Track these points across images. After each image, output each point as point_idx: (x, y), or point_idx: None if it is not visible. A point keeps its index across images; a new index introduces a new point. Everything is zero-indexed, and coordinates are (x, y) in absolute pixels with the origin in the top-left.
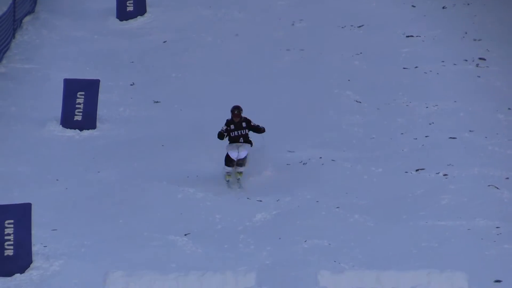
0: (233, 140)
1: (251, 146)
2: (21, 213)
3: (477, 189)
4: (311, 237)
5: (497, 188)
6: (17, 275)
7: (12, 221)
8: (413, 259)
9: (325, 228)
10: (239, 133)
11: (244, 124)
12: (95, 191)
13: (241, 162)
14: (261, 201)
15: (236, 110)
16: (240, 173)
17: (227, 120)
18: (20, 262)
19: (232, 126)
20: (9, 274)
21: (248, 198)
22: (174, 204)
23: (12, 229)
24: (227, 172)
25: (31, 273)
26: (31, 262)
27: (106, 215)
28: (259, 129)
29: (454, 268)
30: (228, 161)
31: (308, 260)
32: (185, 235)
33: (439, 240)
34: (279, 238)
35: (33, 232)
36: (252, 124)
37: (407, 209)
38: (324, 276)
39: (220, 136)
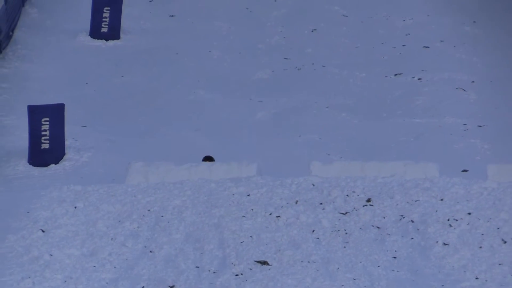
0: None
1: None
2: (56, 112)
3: (447, 91)
4: (305, 132)
5: (464, 90)
6: (52, 165)
7: (47, 119)
8: (392, 152)
9: (317, 125)
10: None
11: None
12: (119, 93)
13: None
14: (261, 101)
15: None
16: None
17: None
18: (54, 154)
19: None
20: (45, 164)
21: (250, 99)
22: (187, 104)
23: (48, 125)
24: None
25: (64, 164)
26: (64, 154)
27: (128, 114)
28: None
29: (427, 160)
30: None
31: (302, 152)
32: (196, 130)
33: (414, 135)
34: (277, 134)
35: (66, 128)
36: None
37: (386, 109)
38: (316, 166)
39: None
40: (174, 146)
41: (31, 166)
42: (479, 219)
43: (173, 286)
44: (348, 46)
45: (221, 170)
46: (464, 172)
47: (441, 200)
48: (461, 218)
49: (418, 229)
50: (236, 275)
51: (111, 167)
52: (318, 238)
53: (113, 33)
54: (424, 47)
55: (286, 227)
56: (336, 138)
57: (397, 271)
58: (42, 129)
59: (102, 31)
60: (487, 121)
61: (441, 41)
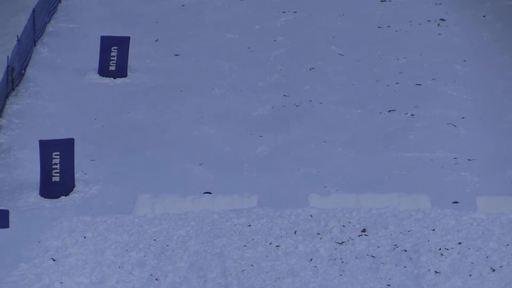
0: None
1: None
2: (66, 146)
3: (438, 127)
4: (303, 166)
5: (455, 126)
6: (63, 197)
7: (58, 153)
8: (386, 184)
9: (314, 159)
10: None
11: None
12: (127, 128)
13: None
14: (261, 136)
15: None
16: None
17: None
18: (65, 186)
19: None
20: (56, 196)
21: (251, 134)
22: (191, 139)
23: (58, 159)
24: None
25: (74, 196)
26: (74, 186)
27: (135, 148)
28: None
29: (419, 192)
30: None
31: (301, 185)
32: (199, 164)
33: (407, 168)
34: (277, 167)
35: (75, 162)
36: None
37: (381, 143)
38: (314, 198)
39: None
40: (178, 179)
41: (42, 198)
42: (469, 248)
43: None
44: (344, 83)
45: (224, 202)
46: (454, 204)
47: (433, 230)
48: (452, 248)
49: (411, 258)
50: None
51: (119, 199)
52: (315, 266)
53: (121, 71)
54: (416, 84)
55: (285, 256)
56: (333, 171)
57: None
58: (53, 162)
59: (110, 69)
60: (476, 155)
61: (432, 79)
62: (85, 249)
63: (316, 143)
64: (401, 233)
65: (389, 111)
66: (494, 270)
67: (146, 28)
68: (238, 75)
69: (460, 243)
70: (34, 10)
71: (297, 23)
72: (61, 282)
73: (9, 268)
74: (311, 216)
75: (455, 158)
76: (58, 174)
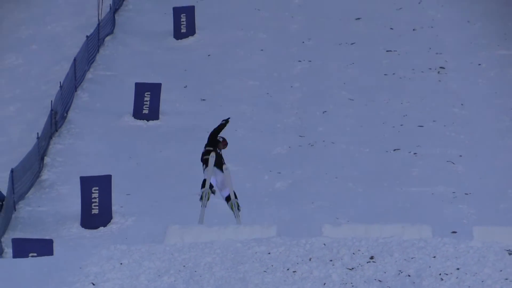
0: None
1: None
2: (104, 182)
3: (439, 164)
4: (317, 199)
5: (453, 163)
6: (101, 228)
7: (97, 188)
8: (391, 216)
9: (327, 193)
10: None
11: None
12: (158, 166)
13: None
14: (279, 173)
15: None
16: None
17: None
18: (103, 218)
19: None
20: (95, 227)
21: (270, 171)
22: None
23: (97, 194)
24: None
25: (111, 227)
26: (111, 218)
27: (166, 184)
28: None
29: (421, 222)
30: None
31: (315, 216)
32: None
33: (411, 202)
34: (293, 201)
35: (112, 196)
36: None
37: (387, 179)
38: (327, 228)
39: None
40: (206, 211)
41: (83, 228)
42: (466, 273)
43: None
44: (354, 125)
45: (246, 232)
46: (453, 233)
47: (434, 257)
48: (451, 273)
49: (414, 282)
50: None
51: (152, 230)
52: None
53: (153, 115)
54: (419, 126)
55: (301, 280)
56: (344, 204)
57: None
58: (92, 197)
59: (143, 112)
60: (473, 189)
61: (433, 121)
62: (121, 275)
63: (328, 179)
64: (405, 259)
65: (394, 150)
66: None
67: (176, 75)
68: (258, 118)
69: (458, 268)
70: (75, 59)
71: (312, 71)
72: None
73: None
74: (324, 244)
75: (453, 192)
76: (97, 207)
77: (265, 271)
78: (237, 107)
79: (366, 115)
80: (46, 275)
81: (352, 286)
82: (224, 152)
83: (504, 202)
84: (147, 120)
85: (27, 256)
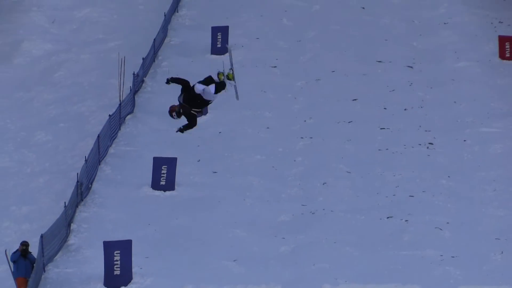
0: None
1: None
2: (125, 246)
3: (428, 230)
4: (318, 262)
5: (441, 229)
6: (123, 287)
7: (119, 251)
8: (385, 277)
9: (327, 256)
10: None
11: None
12: (175, 232)
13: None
14: (284, 238)
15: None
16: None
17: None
18: (124, 278)
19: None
20: (117, 287)
21: (275, 236)
22: (227, 240)
23: (119, 256)
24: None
25: (131, 286)
26: (131, 279)
27: (181, 248)
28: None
29: (412, 282)
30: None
31: (316, 277)
32: (234, 260)
33: (402, 264)
34: (296, 263)
35: (133, 258)
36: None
37: (381, 243)
38: None
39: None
40: (216, 272)
41: None
42: None
43: None
44: (351, 195)
45: None
46: None
47: None
48: None
49: None
50: None
51: None
52: None
53: (169, 186)
54: (410, 196)
55: None
56: (342, 266)
57: None
58: (115, 259)
59: (160, 184)
60: (459, 253)
61: (423, 191)
62: None
63: (328, 244)
64: None
65: (388, 217)
66: None
67: (190, 150)
68: (264, 189)
69: None
70: (98, 136)
71: (313, 147)
72: None
73: None
74: None
75: (441, 255)
76: (118, 268)
77: None
78: (245, 178)
79: (362, 186)
80: None
81: None
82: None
83: (487, 264)
84: (164, 191)
85: None
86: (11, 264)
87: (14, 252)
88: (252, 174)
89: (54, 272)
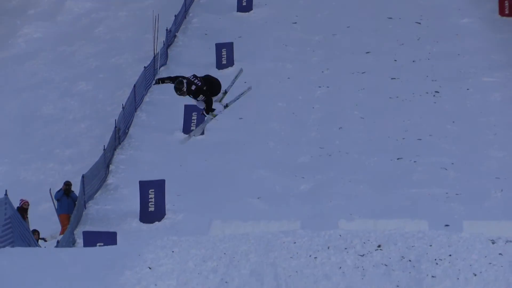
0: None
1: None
2: (159, 185)
3: (434, 170)
4: (334, 199)
5: (446, 169)
6: (156, 222)
7: (153, 190)
8: (395, 212)
9: (342, 194)
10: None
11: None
12: (204, 172)
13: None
14: (303, 177)
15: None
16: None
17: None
18: (158, 215)
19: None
20: (152, 222)
21: (295, 176)
22: (251, 180)
23: (153, 195)
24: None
25: (165, 221)
26: (164, 214)
27: (210, 186)
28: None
29: (420, 218)
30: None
31: (332, 213)
32: (257, 198)
33: (411, 201)
34: (315, 200)
35: (166, 196)
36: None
37: (392, 182)
38: (342, 222)
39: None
40: (242, 209)
41: (141, 223)
42: (457, 259)
43: None
44: (364, 139)
45: (275, 226)
46: (446, 226)
47: (430, 245)
48: (444, 258)
49: (414, 266)
50: None
51: (198, 224)
52: (343, 272)
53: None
54: (418, 139)
55: (321, 265)
56: (356, 203)
57: None
58: (149, 197)
59: (191, 129)
60: (462, 190)
61: (430, 135)
62: (173, 260)
63: (343, 183)
64: (406, 248)
65: (398, 159)
66: (475, 275)
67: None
68: (286, 133)
69: (450, 255)
70: (135, 85)
71: (329, 95)
72: (155, 285)
73: (117, 274)
74: (340, 235)
75: (446, 193)
76: (153, 205)
77: (291, 257)
78: (268, 124)
79: (374, 131)
80: (111, 261)
81: (363, 269)
82: (258, 159)
83: (488, 201)
84: (194, 136)
85: (95, 246)
86: (55, 202)
87: (58, 191)
88: (274, 120)
89: (94, 209)
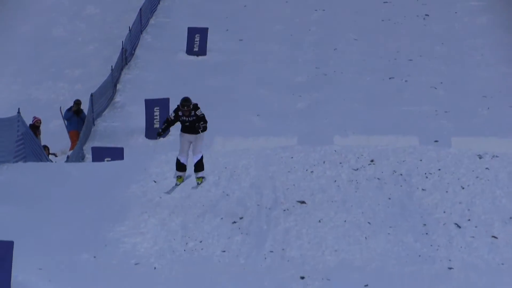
0: (185, 129)
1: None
2: (163, 103)
3: (424, 89)
4: (329, 116)
5: (435, 88)
6: (161, 138)
7: (158, 108)
8: (388, 129)
9: (337, 111)
10: (189, 120)
11: (193, 113)
12: (206, 91)
13: (197, 165)
14: (300, 96)
15: (185, 102)
16: (200, 178)
17: (176, 108)
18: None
19: (180, 113)
20: (156, 138)
21: (293, 94)
22: (251, 98)
23: (158, 112)
24: (178, 176)
25: (169, 138)
26: (169, 131)
27: (212, 104)
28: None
29: (411, 134)
30: (179, 166)
31: (328, 129)
32: (257, 115)
33: (402, 118)
34: (311, 117)
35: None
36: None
37: (384, 100)
38: (337, 138)
39: (158, 134)
40: (242, 126)
41: (147, 139)
42: (446, 173)
43: (242, 217)
44: (358, 59)
45: (274, 141)
46: (436, 142)
47: (420, 160)
48: (434, 172)
49: (405, 180)
50: (284, 210)
51: None
52: (338, 186)
53: (202, 51)
54: (409, 60)
55: (317, 178)
56: (351, 120)
57: (391, 207)
58: (154, 114)
59: (194, 50)
60: (451, 108)
61: (420, 56)
62: None
63: (338, 101)
64: (398, 162)
65: (390, 78)
66: (463, 188)
67: (219, 21)
68: (284, 54)
69: (439, 169)
70: (140, 9)
71: (325, 18)
72: (160, 197)
73: (124, 188)
74: (335, 151)
75: (436, 110)
76: (158, 122)
77: (289, 171)
78: (267, 44)
79: (368, 51)
80: (118, 175)
81: (357, 183)
82: (257, 78)
83: (476, 118)
84: (197, 56)
85: (103, 160)
86: (65, 120)
87: (68, 109)
88: (272, 41)
89: (102, 125)
